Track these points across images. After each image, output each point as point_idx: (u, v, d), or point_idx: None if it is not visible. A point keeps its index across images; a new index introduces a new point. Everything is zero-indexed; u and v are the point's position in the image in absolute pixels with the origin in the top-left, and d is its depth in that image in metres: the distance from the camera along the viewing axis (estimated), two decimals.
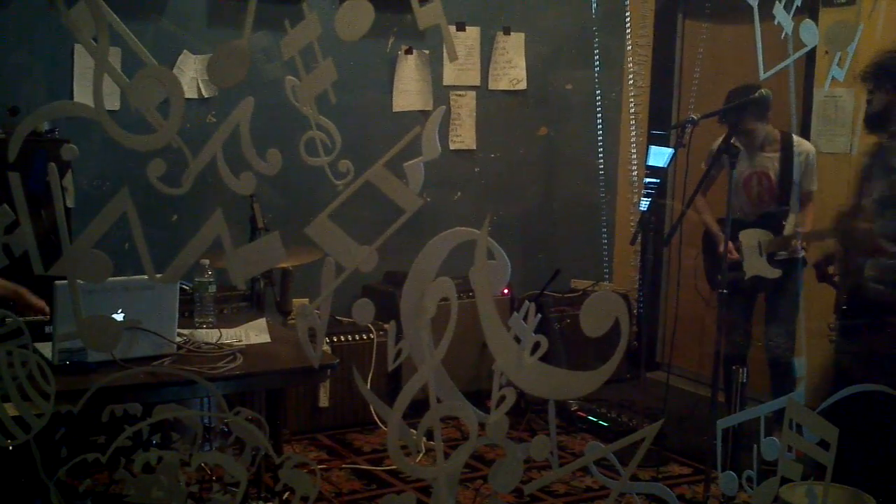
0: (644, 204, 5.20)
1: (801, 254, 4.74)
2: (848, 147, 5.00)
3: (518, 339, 2.04)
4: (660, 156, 5.30)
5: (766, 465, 2.49)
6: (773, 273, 4.77)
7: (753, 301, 5.03)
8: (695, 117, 4.53)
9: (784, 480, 2.46)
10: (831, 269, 4.20)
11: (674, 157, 4.83)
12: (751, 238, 4.83)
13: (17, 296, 3.57)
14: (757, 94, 4.51)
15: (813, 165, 4.85)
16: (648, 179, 5.51)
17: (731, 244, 4.79)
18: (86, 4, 1.77)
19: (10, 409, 1.92)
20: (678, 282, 4.98)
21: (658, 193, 5.34)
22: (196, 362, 3.22)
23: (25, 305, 3.54)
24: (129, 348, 3.07)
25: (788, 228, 4.81)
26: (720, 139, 4.56)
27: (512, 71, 6.18)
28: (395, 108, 5.81)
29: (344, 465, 4.81)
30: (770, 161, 4.90)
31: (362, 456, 4.94)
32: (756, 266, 4.80)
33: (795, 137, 4.86)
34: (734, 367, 4.19)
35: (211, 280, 3.67)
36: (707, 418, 4.28)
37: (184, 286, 3.74)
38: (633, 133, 6.50)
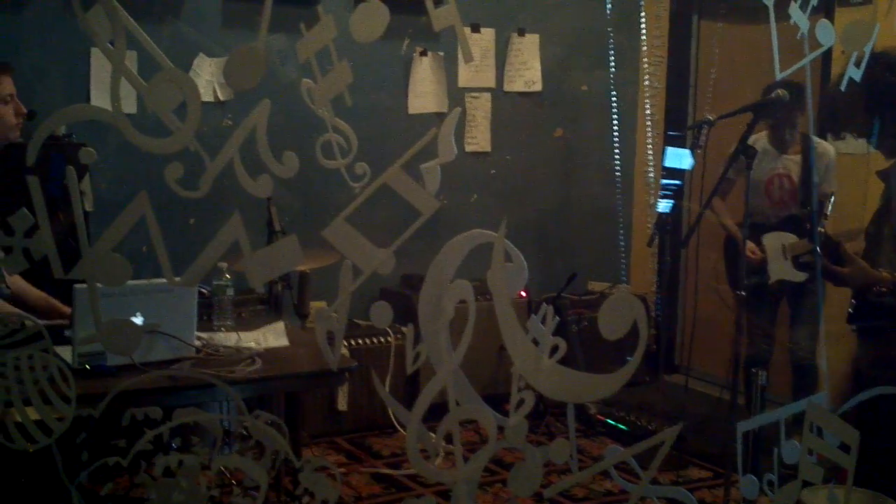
0: (661, 205, 5.18)
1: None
2: (865, 148, 4.98)
3: (536, 342, 2.03)
4: (676, 157, 5.28)
5: (787, 469, 2.47)
6: (799, 276, 4.73)
7: (777, 304, 5.00)
8: (711, 118, 4.51)
9: (805, 484, 2.44)
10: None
11: (695, 158, 4.82)
12: (774, 241, 4.80)
13: (49, 306, 3.61)
14: (774, 95, 4.49)
15: (833, 168, 4.83)
16: (665, 181, 5.49)
17: (753, 246, 4.76)
18: (102, 8, 1.77)
19: (32, 413, 1.93)
20: (696, 283, 4.96)
21: (679, 195, 5.33)
22: (215, 366, 3.22)
23: (55, 314, 3.58)
24: (148, 352, 3.08)
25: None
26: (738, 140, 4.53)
27: (527, 72, 6.17)
28: (411, 110, 5.81)
29: (363, 469, 4.81)
30: (792, 163, 4.87)
31: (381, 459, 4.94)
32: (781, 270, 4.77)
33: (815, 139, 4.84)
34: (754, 370, 4.17)
35: (229, 283, 3.68)
36: (727, 421, 4.26)
37: (202, 290, 3.74)
38: (650, 134, 6.49)
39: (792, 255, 4.74)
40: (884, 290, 3.25)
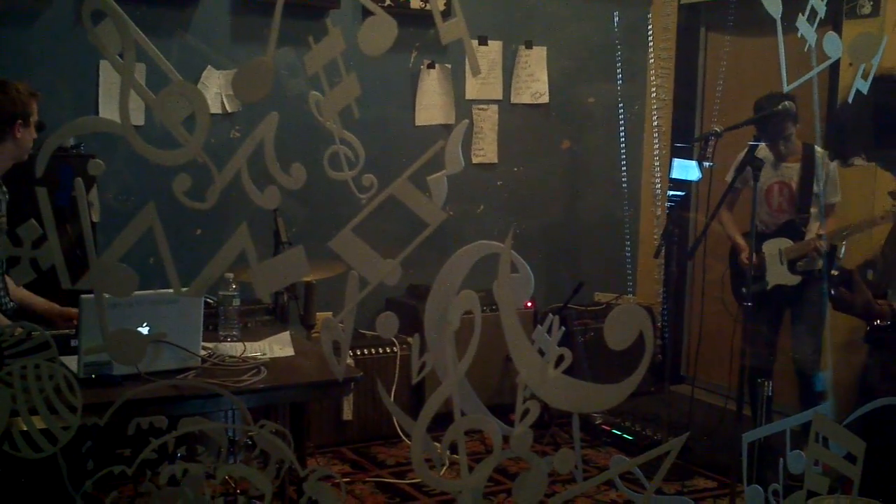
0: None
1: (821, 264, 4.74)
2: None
3: (542, 352, 2.04)
4: (683, 169, 5.29)
5: (793, 480, 2.47)
6: (794, 280, 4.77)
7: (780, 314, 5.00)
8: (718, 130, 4.52)
9: (810, 494, 2.44)
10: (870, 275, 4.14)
11: (702, 170, 4.83)
12: (772, 247, 4.83)
13: (55, 312, 3.65)
14: (780, 107, 4.51)
15: (835, 177, 4.85)
16: (672, 192, 5.50)
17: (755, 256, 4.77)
18: (112, 21, 1.78)
19: (38, 422, 1.93)
20: (702, 294, 4.96)
21: (685, 206, 5.34)
22: (220, 375, 3.23)
23: (63, 319, 3.62)
24: (154, 361, 3.08)
25: (809, 236, 4.81)
26: (745, 151, 4.55)
27: (534, 84, 6.19)
28: (418, 122, 5.82)
29: (368, 479, 4.81)
30: (791, 171, 4.90)
31: (386, 469, 4.94)
32: (777, 274, 4.80)
33: (817, 149, 4.86)
34: (760, 381, 4.17)
35: (235, 294, 3.69)
36: (732, 431, 4.25)
37: (208, 300, 3.76)
38: (657, 146, 6.49)
39: (788, 258, 4.76)
40: (885, 324, 3.26)
